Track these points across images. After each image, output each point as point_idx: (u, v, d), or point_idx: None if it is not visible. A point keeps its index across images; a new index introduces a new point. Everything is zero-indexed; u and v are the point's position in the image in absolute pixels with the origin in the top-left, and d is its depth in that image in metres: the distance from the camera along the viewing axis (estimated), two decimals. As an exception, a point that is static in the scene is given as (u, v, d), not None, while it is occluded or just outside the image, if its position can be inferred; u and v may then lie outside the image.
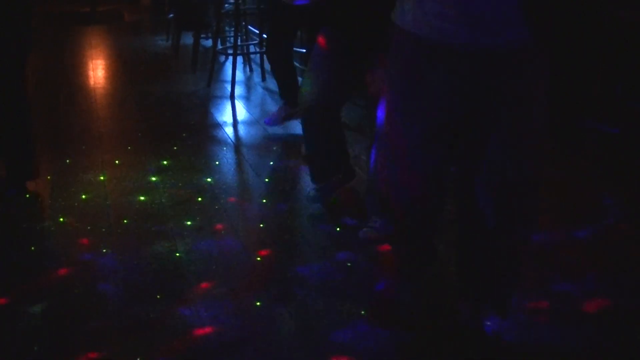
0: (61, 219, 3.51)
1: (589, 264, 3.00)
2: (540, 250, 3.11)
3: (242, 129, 5.19)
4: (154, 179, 4.05)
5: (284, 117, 4.99)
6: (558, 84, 4.88)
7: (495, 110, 2.19)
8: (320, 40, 3.26)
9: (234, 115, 5.57)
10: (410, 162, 2.39)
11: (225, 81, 6.53)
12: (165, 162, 4.32)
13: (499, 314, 2.47)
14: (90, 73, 7.22)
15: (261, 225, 3.46)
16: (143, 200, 3.75)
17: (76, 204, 3.71)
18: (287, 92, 4.97)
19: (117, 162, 4.34)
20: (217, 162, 4.38)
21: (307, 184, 3.80)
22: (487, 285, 2.47)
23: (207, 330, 2.55)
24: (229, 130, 5.10)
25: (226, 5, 6.91)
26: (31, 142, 3.79)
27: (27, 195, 3.80)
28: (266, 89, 6.38)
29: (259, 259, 3.10)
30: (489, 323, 2.47)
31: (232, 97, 5.97)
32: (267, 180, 4.08)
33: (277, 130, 4.97)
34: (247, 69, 7.10)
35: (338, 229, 3.38)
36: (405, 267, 2.72)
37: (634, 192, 3.76)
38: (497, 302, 2.47)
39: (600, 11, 4.74)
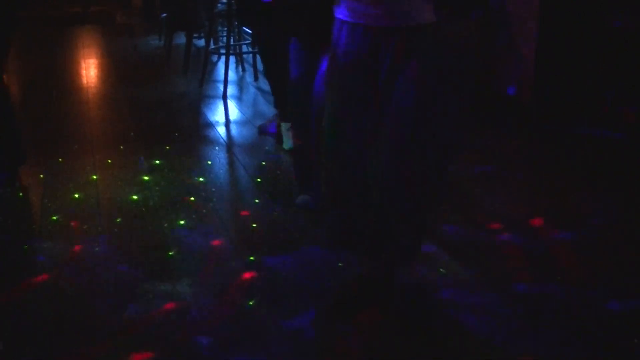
0: (53, 218, 3.52)
1: (585, 267, 3.02)
2: (536, 254, 3.13)
3: (234, 129, 5.20)
4: (146, 178, 4.06)
5: (276, 136, 4.82)
6: (550, 89, 4.94)
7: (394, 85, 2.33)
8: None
9: (226, 115, 5.58)
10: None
11: (218, 81, 6.54)
12: (157, 162, 4.32)
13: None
14: (83, 73, 7.22)
15: (253, 226, 3.47)
16: (135, 199, 3.76)
17: (68, 203, 3.72)
18: (282, 100, 4.85)
19: (109, 161, 4.35)
20: (209, 162, 4.38)
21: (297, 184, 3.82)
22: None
23: (199, 330, 2.56)
24: (221, 130, 5.11)
25: (219, 5, 6.91)
26: (16, 128, 3.82)
27: (20, 194, 3.81)
28: (259, 88, 6.39)
29: (251, 258, 3.11)
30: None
31: (224, 97, 5.98)
32: (259, 180, 4.09)
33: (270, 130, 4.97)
34: (240, 68, 7.10)
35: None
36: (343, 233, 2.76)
37: (626, 194, 3.77)
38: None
39: (593, 17, 4.77)
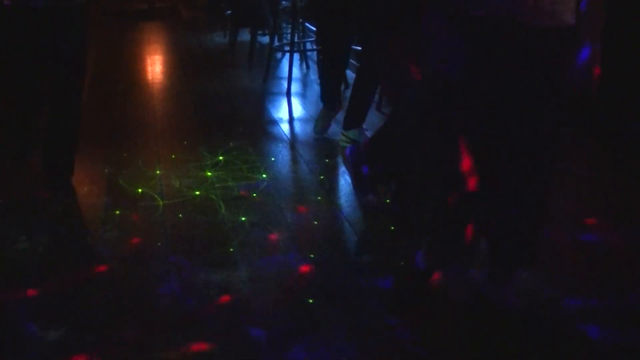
0: (117, 212, 3.54)
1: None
2: (589, 251, 3.07)
3: (297, 126, 5.17)
4: (209, 174, 4.05)
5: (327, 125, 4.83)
6: (606, 84, 4.78)
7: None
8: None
9: (289, 111, 5.56)
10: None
11: (282, 78, 6.53)
12: (220, 158, 4.31)
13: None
14: (148, 68, 7.29)
15: (315, 223, 3.43)
16: (198, 194, 3.75)
17: (131, 197, 3.73)
18: (331, 92, 4.78)
19: (172, 156, 4.36)
20: (272, 159, 4.36)
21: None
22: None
23: (258, 325, 2.54)
24: (284, 127, 5.08)
25: (283, 2, 6.90)
26: (76, 141, 3.81)
27: (84, 188, 3.84)
28: (322, 86, 6.34)
29: (312, 256, 3.07)
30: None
31: (288, 94, 5.96)
32: (321, 177, 4.05)
33: (333, 127, 4.89)
34: (304, 65, 7.08)
35: (392, 227, 3.33)
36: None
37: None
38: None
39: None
